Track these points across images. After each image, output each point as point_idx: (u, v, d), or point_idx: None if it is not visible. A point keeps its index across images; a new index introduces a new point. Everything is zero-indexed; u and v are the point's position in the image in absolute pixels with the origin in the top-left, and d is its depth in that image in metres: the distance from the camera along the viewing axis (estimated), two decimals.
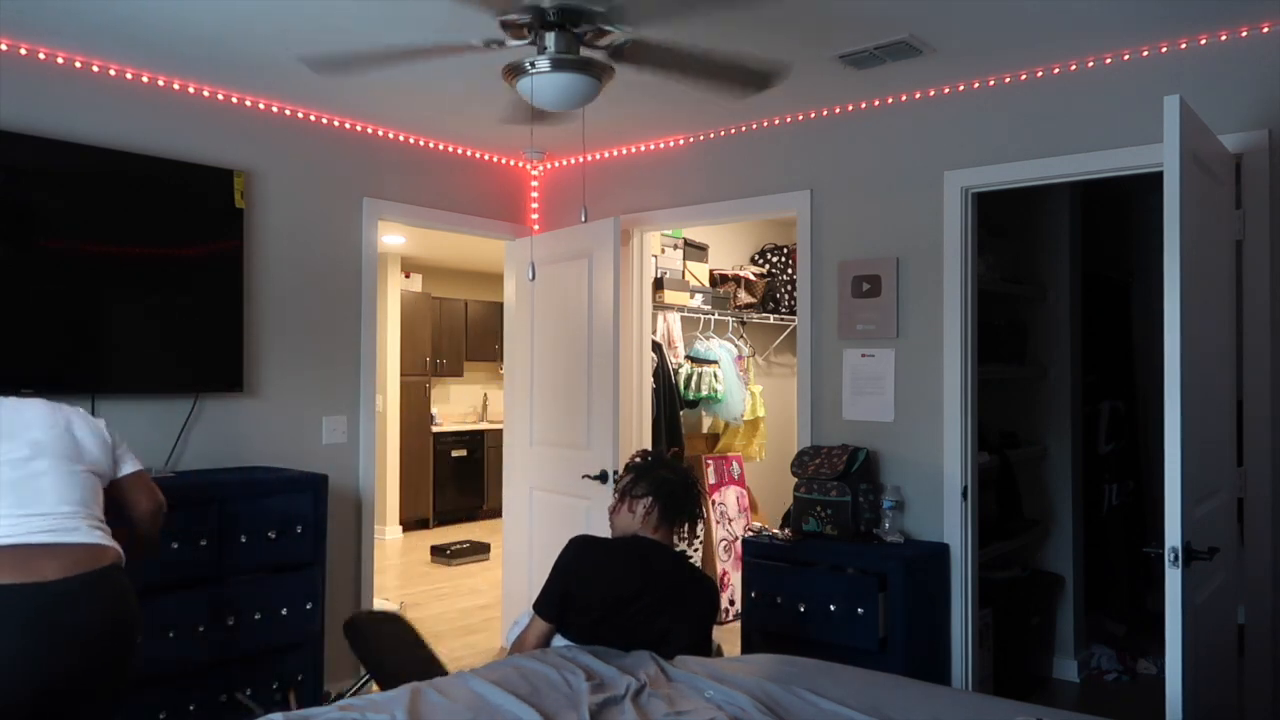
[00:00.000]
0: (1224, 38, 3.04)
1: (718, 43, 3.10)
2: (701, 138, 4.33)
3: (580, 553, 2.70)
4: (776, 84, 3.58)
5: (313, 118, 4.00)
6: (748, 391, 5.63)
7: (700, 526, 2.71)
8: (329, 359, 4.05)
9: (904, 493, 3.65)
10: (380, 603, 4.68)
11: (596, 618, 2.60)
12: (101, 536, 2.25)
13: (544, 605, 2.66)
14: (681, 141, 4.40)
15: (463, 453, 9.02)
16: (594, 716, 2.07)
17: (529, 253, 4.68)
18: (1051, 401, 4.59)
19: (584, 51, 2.89)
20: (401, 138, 4.33)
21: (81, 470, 2.32)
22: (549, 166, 4.92)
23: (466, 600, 6.02)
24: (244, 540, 3.20)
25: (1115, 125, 3.23)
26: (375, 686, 2.66)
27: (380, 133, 4.25)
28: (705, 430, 5.79)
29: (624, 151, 4.61)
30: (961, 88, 3.57)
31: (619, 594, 2.60)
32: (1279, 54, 2.95)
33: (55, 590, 2.08)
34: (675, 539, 2.81)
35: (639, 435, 4.66)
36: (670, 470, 2.81)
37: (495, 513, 8.82)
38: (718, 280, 5.64)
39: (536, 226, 4.92)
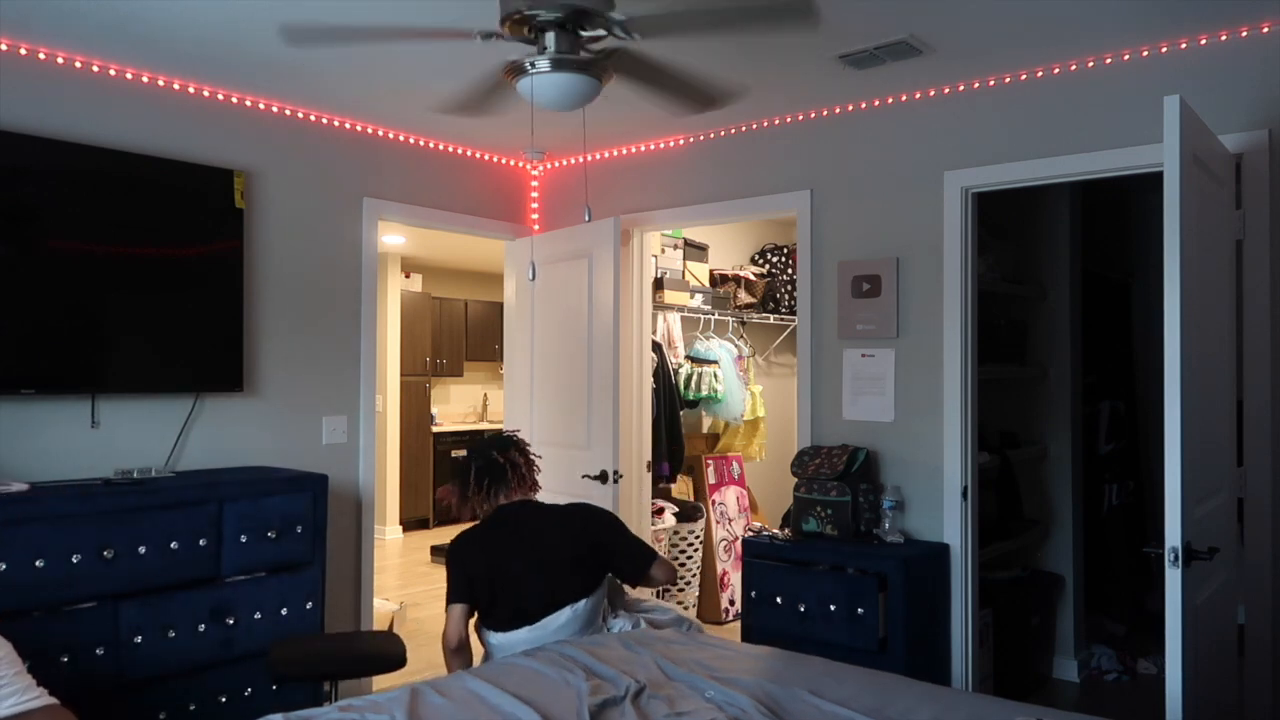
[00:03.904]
0: (1224, 38, 3.04)
1: (718, 40, 3.10)
2: (701, 138, 4.33)
3: (460, 543, 2.96)
4: (721, 106, 3.82)
5: (313, 118, 4.00)
6: (748, 391, 5.63)
7: (534, 468, 3.15)
8: (329, 359, 4.04)
9: (904, 493, 3.65)
10: (380, 603, 4.68)
11: (499, 586, 2.83)
12: None
13: (452, 593, 2.87)
14: (681, 141, 4.40)
15: (463, 453, 8.99)
16: (594, 717, 2.07)
17: (529, 253, 4.68)
18: (1051, 401, 4.59)
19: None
20: (401, 138, 4.33)
21: None
22: (549, 166, 4.92)
23: None
24: (244, 540, 3.19)
25: (1115, 125, 3.23)
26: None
27: (380, 133, 4.25)
28: (705, 430, 5.79)
29: (624, 151, 4.61)
30: (961, 88, 3.57)
31: (502, 557, 2.85)
32: (1279, 54, 2.95)
33: None
34: (528, 491, 3.08)
35: (639, 435, 4.66)
36: (478, 445, 3.13)
37: None
38: (718, 280, 5.64)
39: (536, 226, 4.92)
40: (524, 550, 2.86)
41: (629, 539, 3.02)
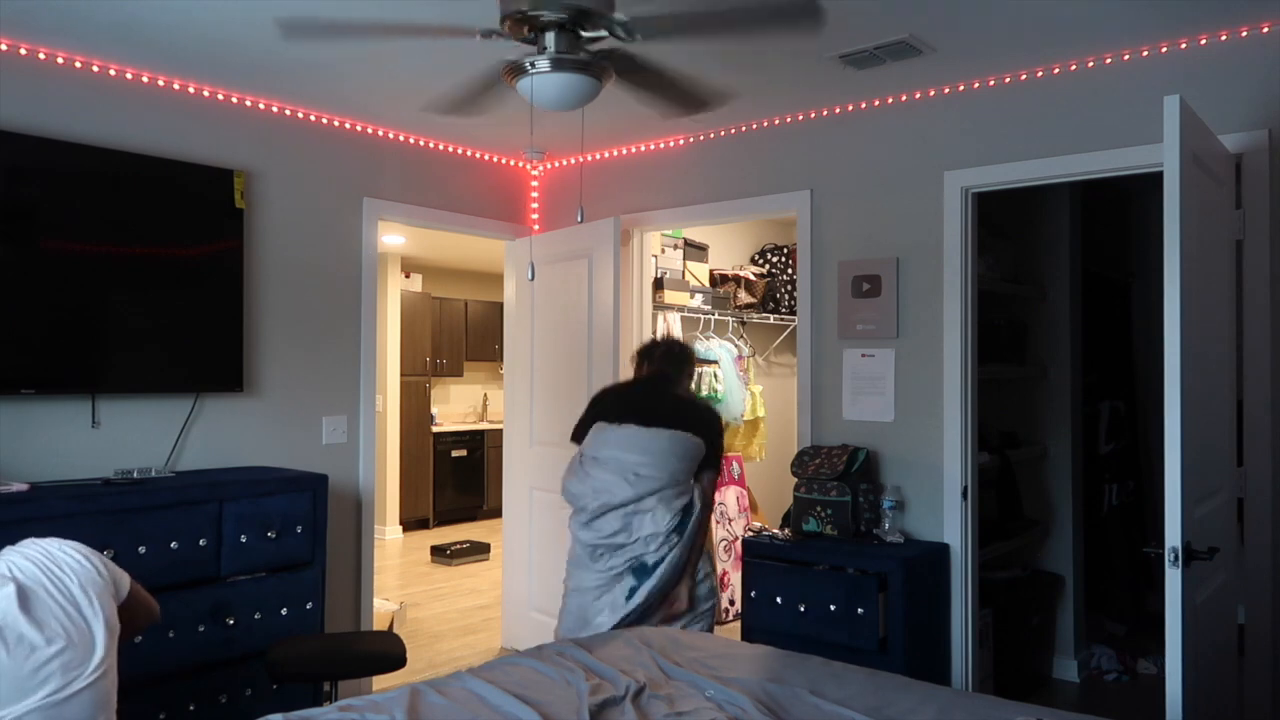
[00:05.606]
0: (1224, 38, 3.04)
1: (716, 41, 3.09)
2: (701, 138, 4.33)
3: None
4: (714, 109, 3.89)
5: (313, 118, 4.00)
6: (748, 391, 5.62)
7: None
8: (329, 359, 4.04)
9: (904, 493, 3.65)
10: (380, 603, 4.68)
11: (613, 399, 3.49)
12: None
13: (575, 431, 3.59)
14: (681, 141, 4.40)
15: (463, 453, 9.02)
16: (594, 717, 2.07)
17: (529, 253, 4.68)
18: (1051, 401, 4.59)
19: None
20: (401, 138, 4.33)
21: None
22: (549, 166, 4.92)
23: (466, 600, 6.02)
24: (244, 540, 3.20)
25: (1115, 125, 3.23)
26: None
27: (380, 133, 4.25)
28: None
29: (624, 151, 4.61)
30: (961, 88, 3.57)
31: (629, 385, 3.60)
32: (1279, 54, 2.95)
33: None
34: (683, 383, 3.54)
35: None
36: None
37: (495, 513, 8.82)
38: (718, 280, 5.64)
39: (536, 226, 4.92)
40: (647, 389, 3.48)
41: (718, 446, 3.39)
